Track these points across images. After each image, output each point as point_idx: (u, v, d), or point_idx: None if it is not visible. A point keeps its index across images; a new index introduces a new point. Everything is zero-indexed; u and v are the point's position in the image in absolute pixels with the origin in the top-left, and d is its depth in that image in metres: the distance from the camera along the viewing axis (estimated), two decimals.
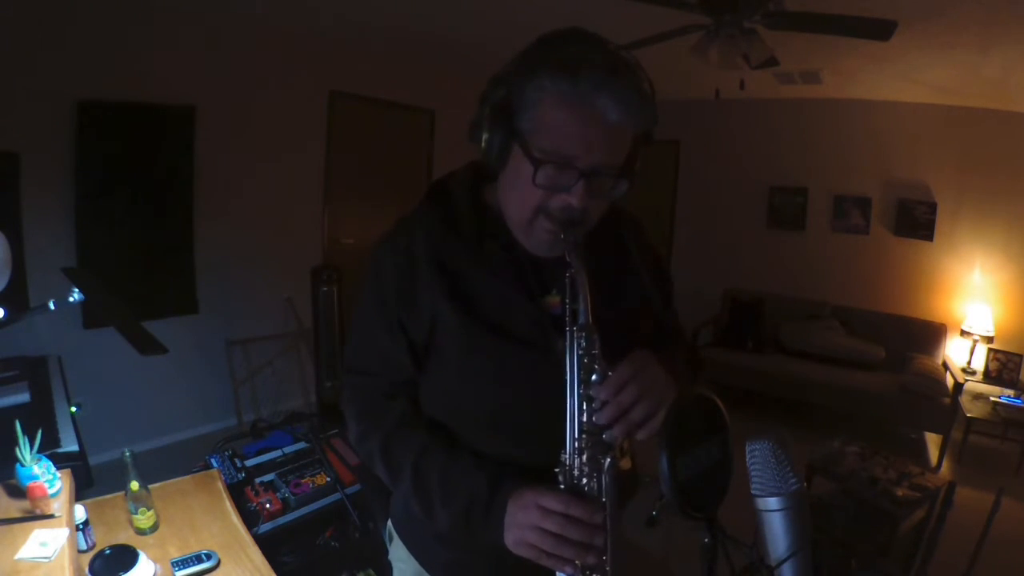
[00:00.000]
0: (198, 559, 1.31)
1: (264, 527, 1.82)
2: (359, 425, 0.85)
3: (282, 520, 1.88)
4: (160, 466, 1.88)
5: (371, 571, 1.91)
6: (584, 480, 0.70)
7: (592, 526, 0.67)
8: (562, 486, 0.70)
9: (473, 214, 0.81)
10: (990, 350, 3.90)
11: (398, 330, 0.80)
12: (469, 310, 0.77)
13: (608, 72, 0.67)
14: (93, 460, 1.95)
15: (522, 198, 0.73)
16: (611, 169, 0.71)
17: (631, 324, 0.84)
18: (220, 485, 1.65)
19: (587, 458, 0.69)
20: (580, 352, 0.69)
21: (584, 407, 0.69)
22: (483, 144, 0.73)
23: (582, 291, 0.70)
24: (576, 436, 0.70)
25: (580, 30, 0.72)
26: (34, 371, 2.29)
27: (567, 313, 0.71)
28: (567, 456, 0.70)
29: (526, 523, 0.69)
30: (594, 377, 0.69)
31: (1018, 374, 3.81)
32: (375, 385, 0.85)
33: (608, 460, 0.70)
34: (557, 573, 0.70)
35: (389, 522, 1.02)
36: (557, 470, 0.71)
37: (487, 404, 0.81)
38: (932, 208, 4.08)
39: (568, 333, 0.70)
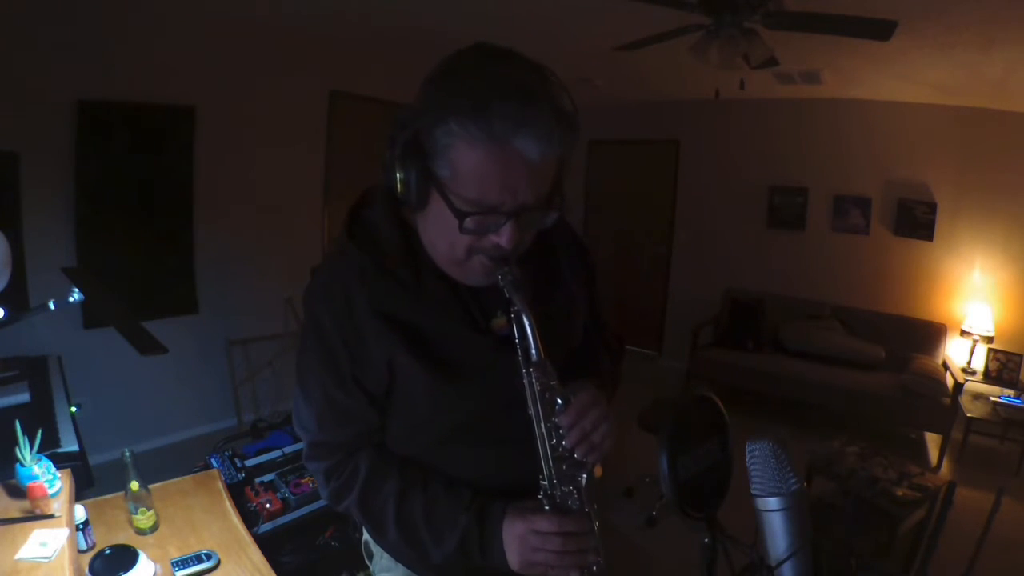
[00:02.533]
0: (198, 559, 1.31)
1: (264, 527, 1.83)
2: (329, 483, 0.83)
3: (282, 520, 1.88)
4: (160, 466, 1.88)
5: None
6: (566, 498, 0.74)
7: (585, 534, 0.74)
8: (547, 507, 0.74)
9: (404, 251, 0.77)
10: (990, 350, 3.90)
11: (354, 387, 0.78)
12: (423, 352, 0.75)
13: (522, 103, 0.61)
14: (93, 460, 1.95)
15: (451, 242, 0.70)
16: (538, 203, 0.68)
17: (562, 330, 0.84)
18: (220, 485, 1.65)
19: (564, 479, 0.74)
20: (539, 388, 0.71)
21: (552, 437, 0.73)
22: (399, 186, 0.69)
23: (530, 328, 0.70)
24: (550, 464, 0.73)
25: (485, 48, 0.66)
26: (34, 371, 2.29)
27: (519, 352, 0.72)
28: (545, 481, 0.74)
29: (527, 549, 0.73)
30: (557, 406, 0.72)
31: (1018, 374, 3.81)
32: (337, 441, 0.83)
33: (584, 476, 0.74)
34: None
35: (365, 536, 1.00)
36: (540, 496, 0.74)
37: (455, 428, 0.81)
38: (932, 208, 4.08)
39: (524, 373, 0.71)
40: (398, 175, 0.68)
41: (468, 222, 0.66)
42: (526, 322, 0.70)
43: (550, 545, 0.72)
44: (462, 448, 0.82)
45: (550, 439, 0.72)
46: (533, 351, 0.71)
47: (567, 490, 0.74)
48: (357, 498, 0.81)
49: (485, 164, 0.63)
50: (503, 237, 0.68)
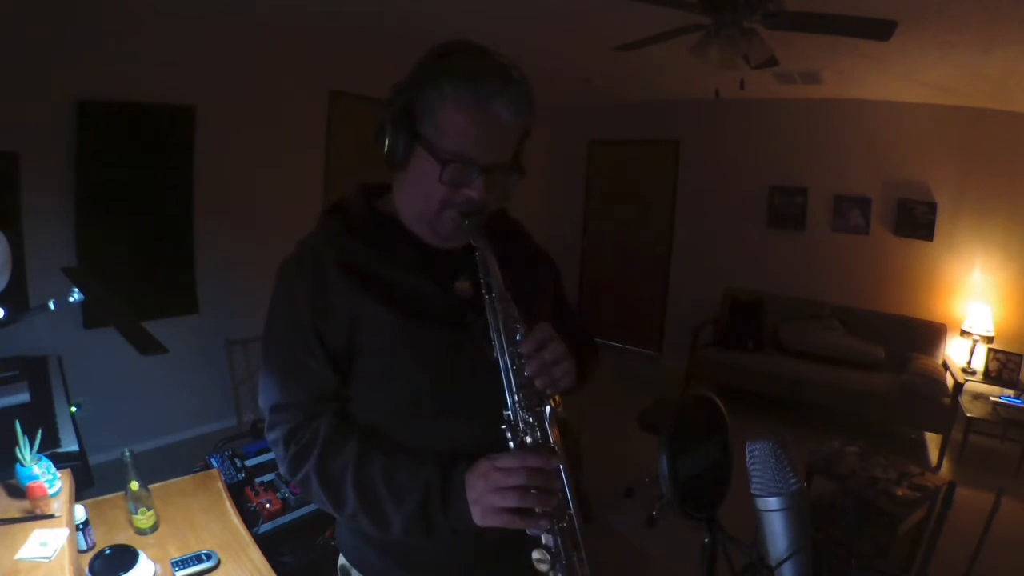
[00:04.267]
0: (198, 559, 1.31)
1: (264, 527, 1.82)
2: (288, 449, 0.82)
3: (282, 520, 1.88)
4: (160, 466, 1.89)
5: None
6: (529, 435, 0.75)
7: (551, 472, 0.72)
8: (511, 444, 0.75)
9: (372, 220, 0.86)
10: (990, 350, 3.90)
11: (315, 342, 0.80)
12: (387, 302, 0.80)
13: (502, 81, 0.75)
14: (93, 460, 1.95)
15: (427, 194, 0.79)
16: (505, 164, 0.80)
17: (530, 310, 0.85)
18: (220, 485, 1.66)
19: (528, 409, 0.75)
20: (502, 316, 0.76)
21: (514, 363, 0.76)
22: (386, 147, 0.79)
23: (492, 266, 0.77)
24: (514, 390, 0.75)
25: (471, 42, 0.80)
26: (34, 371, 2.29)
27: (483, 287, 0.78)
28: (510, 412, 0.75)
29: (490, 488, 0.71)
30: (518, 337, 0.76)
31: (1018, 374, 3.81)
32: (297, 403, 0.83)
33: (547, 408, 0.76)
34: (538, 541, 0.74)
35: (341, 559, 0.98)
36: (504, 427, 0.75)
37: (420, 388, 0.81)
38: (932, 208, 4.08)
39: (487, 300, 0.77)
40: (387, 138, 0.78)
41: (446, 172, 0.76)
42: (488, 260, 0.77)
43: (513, 479, 0.70)
44: (423, 420, 0.82)
45: (512, 367, 0.75)
46: (494, 285, 0.77)
47: (529, 420, 0.74)
48: (315, 462, 0.79)
49: (469, 122, 0.75)
50: (475, 190, 0.78)
